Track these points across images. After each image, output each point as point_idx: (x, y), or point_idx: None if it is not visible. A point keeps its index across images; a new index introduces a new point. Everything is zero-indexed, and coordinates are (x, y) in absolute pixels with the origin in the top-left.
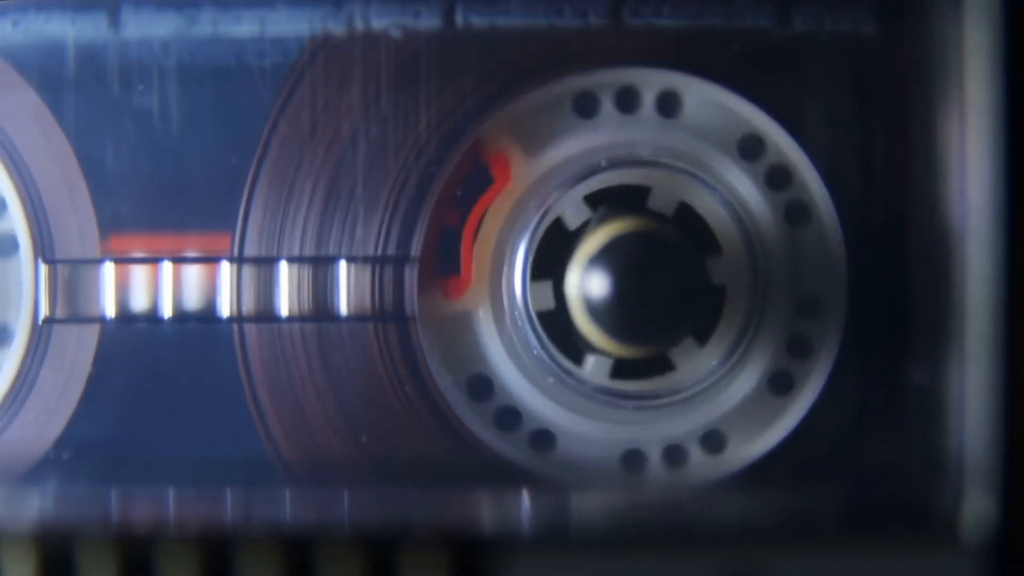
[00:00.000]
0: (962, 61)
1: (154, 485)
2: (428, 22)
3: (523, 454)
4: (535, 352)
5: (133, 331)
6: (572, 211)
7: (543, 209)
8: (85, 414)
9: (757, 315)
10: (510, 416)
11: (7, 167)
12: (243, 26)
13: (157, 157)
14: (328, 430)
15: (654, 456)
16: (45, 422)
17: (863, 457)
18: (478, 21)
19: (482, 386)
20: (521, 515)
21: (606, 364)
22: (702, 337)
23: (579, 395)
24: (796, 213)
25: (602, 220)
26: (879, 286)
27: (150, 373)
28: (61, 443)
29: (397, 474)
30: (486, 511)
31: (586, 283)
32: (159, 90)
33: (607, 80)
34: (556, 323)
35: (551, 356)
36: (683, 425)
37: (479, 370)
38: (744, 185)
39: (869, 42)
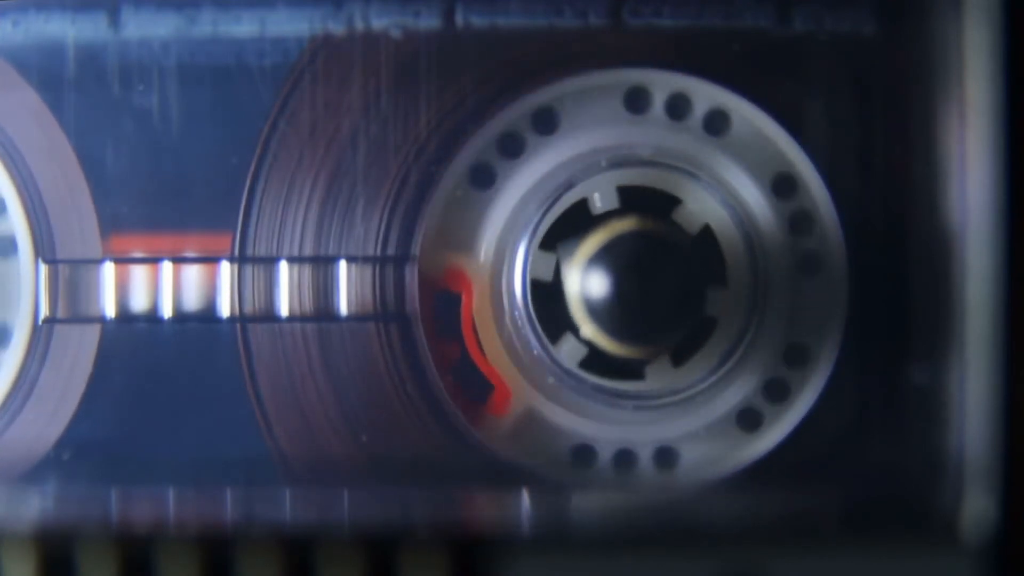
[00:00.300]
0: (962, 61)
1: (154, 485)
2: (428, 22)
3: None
4: None
5: (133, 331)
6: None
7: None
8: (85, 414)
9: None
10: None
11: (7, 167)
12: (243, 26)
13: (157, 157)
14: (328, 430)
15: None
16: (45, 422)
17: (863, 457)
18: (478, 21)
19: None
20: (521, 515)
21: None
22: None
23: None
24: (797, 217)
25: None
26: (879, 286)
27: (150, 373)
28: (61, 443)
29: (397, 474)
30: (486, 511)
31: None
32: (159, 90)
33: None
34: None
35: None
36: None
37: None
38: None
39: (869, 42)
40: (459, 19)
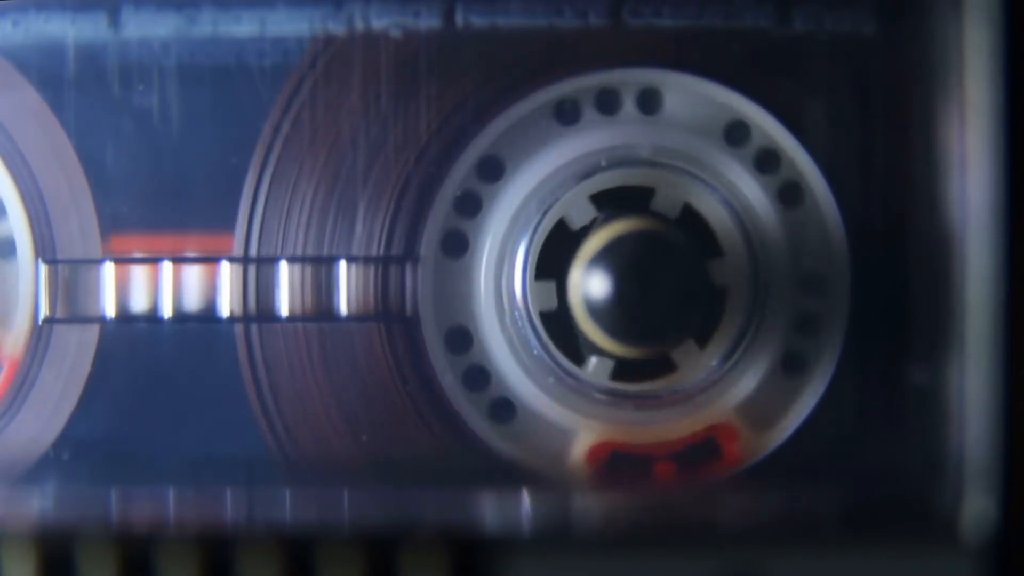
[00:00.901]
0: (962, 61)
1: (154, 485)
2: (428, 22)
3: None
4: None
5: (133, 331)
6: None
7: None
8: (85, 414)
9: (757, 317)
10: None
11: (8, 167)
12: (243, 26)
13: (157, 157)
14: (329, 430)
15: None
16: (45, 422)
17: (863, 457)
18: (478, 21)
19: None
20: (521, 515)
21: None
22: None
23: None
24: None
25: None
26: (879, 286)
27: (150, 373)
28: (61, 443)
29: (398, 474)
30: (486, 511)
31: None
32: (159, 90)
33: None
34: None
35: None
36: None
37: None
38: (747, 186)
39: (869, 42)
40: (459, 19)
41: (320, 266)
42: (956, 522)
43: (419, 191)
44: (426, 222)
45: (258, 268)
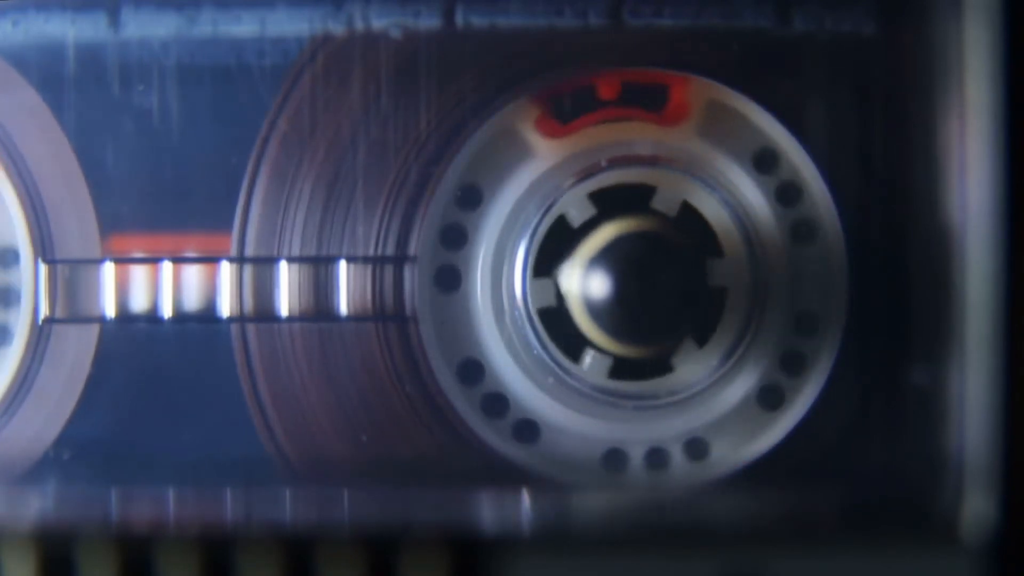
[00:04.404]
0: (962, 61)
1: (154, 485)
2: (428, 22)
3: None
4: None
5: (133, 331)
6: None
7: None
8: (85, 414)
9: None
10: None
11: (7, 167)
12: (243, 26)
13: (157, 157)
14: (328, 430)
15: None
16: (45, 422)
17: (863, 457)
18: (478, 21)
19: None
20: (521, 515)
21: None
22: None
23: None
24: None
25: None
26: (879, 286)
27: (150, 373)
28: (61, 443)
29: (397, 474)
30: (486, 511)
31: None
32: (159, 90)
33: None
34: None
35: None
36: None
37: None
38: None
39: (869, 42)
40: (459, 19)
41: (320, 266)
42: (956, 522)
43: (419, 190)
44: (425, 222)
45: (258, 268)
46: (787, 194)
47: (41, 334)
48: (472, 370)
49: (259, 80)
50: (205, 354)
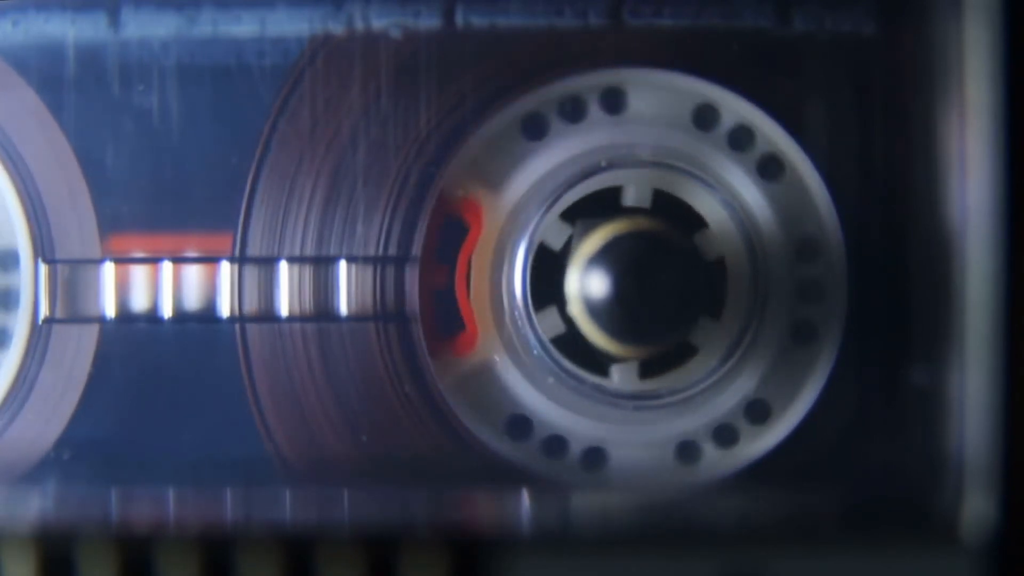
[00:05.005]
0: (962, 61)
1: (154, 485)
2: (428, 22)
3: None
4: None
5: (133, 331)
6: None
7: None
8: (85, 414)
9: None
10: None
11: (7, 167)
12: (243, 26)
13: (157, 157)
14: (328, 430)
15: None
16: (45, 422)
17: (863, 457)
18: (478, 21)
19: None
20: (521, 515)
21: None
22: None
23: None
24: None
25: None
26: (879, 286)
27: (150, 373)
28: (61, 443)
29: (397, 474)
30: (486, 511)
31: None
32: (159, 90)
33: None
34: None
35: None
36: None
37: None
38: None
39: (869, 42)
40: (459, 19)
41: (320, 266)
42: (956, 522)
43: (419, 190)
44: (426, 222)
45: (258, 268)
46: (787, 197)
47: (41, 334)
48: (520, 424)
49: (259, 80)
50: (205, 354)
